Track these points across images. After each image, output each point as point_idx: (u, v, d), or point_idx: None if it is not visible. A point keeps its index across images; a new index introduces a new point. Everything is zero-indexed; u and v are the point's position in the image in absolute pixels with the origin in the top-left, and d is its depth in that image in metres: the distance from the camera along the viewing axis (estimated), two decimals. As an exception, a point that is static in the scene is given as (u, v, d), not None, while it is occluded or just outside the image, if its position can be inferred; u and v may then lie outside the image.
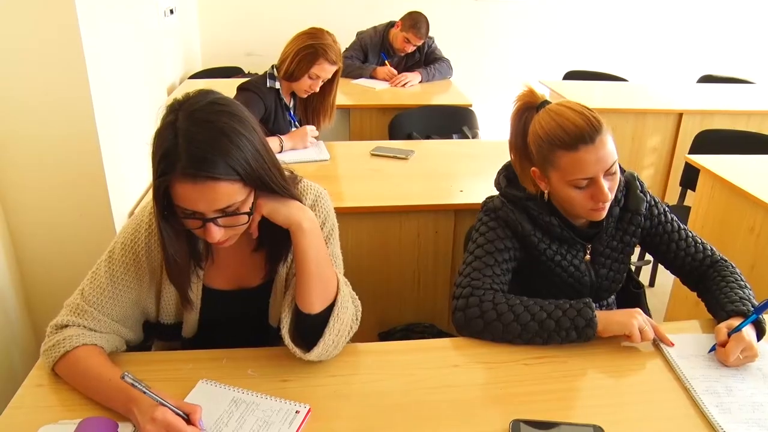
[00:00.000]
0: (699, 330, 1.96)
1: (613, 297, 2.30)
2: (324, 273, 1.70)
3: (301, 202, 1.71)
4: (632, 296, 2.36)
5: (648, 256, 3.33)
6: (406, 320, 2.84)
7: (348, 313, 1.76)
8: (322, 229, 1.82)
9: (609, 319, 1.86)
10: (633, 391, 1.71)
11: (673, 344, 1.87)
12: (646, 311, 2.28)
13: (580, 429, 1.54)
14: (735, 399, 1.66)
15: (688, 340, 1.91)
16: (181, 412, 1.45)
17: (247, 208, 1.58)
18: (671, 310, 3.53)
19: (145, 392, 1.44)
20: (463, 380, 1.75)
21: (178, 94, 1.57)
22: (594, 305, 1.88)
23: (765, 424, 1.58)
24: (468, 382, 1.74)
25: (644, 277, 4.43)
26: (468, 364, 1.82)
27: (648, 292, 2.42)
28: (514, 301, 1.91)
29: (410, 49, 5.38)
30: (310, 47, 3.36)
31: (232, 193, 1.51)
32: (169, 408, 1.44)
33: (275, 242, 1.77)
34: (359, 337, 1.90)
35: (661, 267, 2.38)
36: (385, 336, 2.74)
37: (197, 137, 1.46)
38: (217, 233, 1.56)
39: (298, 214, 1.65)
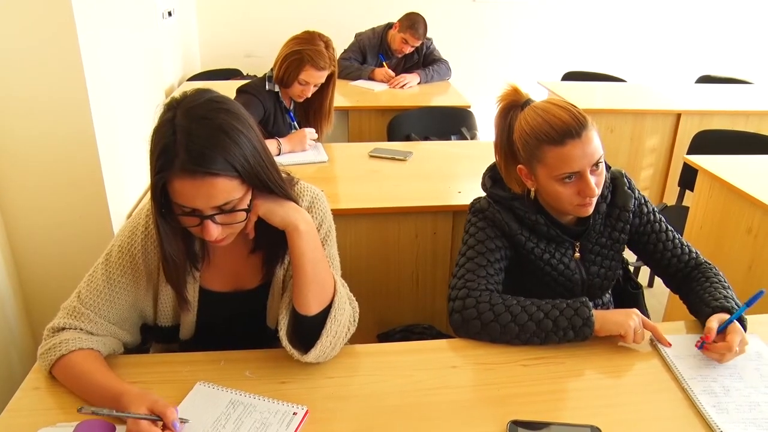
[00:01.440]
0: (697, 330, 1.96)
1: (609, 296, 2.30)
2: (320, 274, 1.70)
3: (297, 203, 1.71)
4: (630, 296, 2.36)
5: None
6: (404, 321, 2.84)
7: (345, 314, 1.76)
8: (319, 230, 1.83)
9: (606, 318, 1.87)
10: (630, 392, 1.71)
11: (670, 344, 1.87)
12: (644, 312, 2.28)
13: (578, 429, 1.55)
14: (732, 399, 1.67)
15: (686, 340, 1.91)
16: (153, 416, 1.45)
17: (244, 206, 1.58)
18: (669, 311, 3.53)
19: (107, 414, 1.45)
20: (462, 381, 1.75)
21: (176, 94, 1.58)
22: (591, 304, 1.89)
23: (762, 424, 1.59)
24: (466, 383, 1.75)
25: (643, 278, 4.45)
26: (466, 365, 1.82)
27: (646, 292, 2.42)
28: (510, 301, 1.91)
29: (408, 50, 5.38)
30: (296, 53, 3.35)
31: (230, 189, 1.52)
32: (140, 418, 1.44)
33: (272, 244, 1.77)
34: (358, 338, 1.90)
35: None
36: (384, 337, 2.74)
37: (196, 133, 1.47)
38: (214, 231, 1.56)
39: (295, 215, 1.65)
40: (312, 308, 1.69)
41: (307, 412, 1.59)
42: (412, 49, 5.40)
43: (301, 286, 1.68)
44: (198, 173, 1.46)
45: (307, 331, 1.71)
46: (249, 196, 1.59)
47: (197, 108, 1.51)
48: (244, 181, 1.54)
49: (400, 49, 5.36)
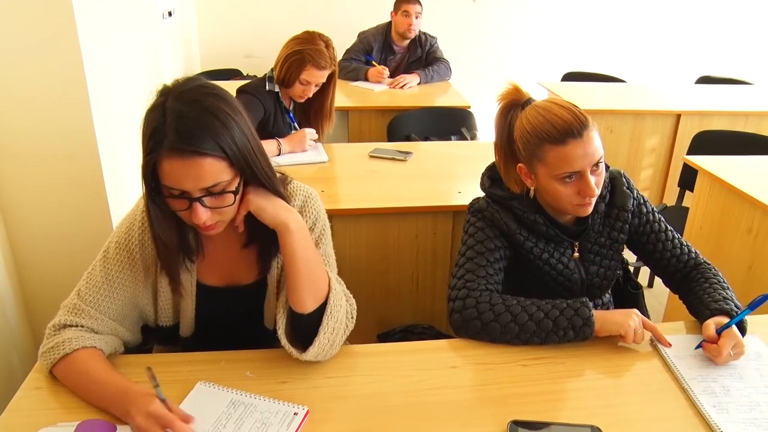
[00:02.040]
0: (697, 330, 1.96)
1: (609, 297, 2.30)
2: (313, 272, 1.71)
3: (288, 200, 1.74)
4: (630, 297, 2.36)
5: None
6: (404, 322, 2.84)
7: (342, 310, 1.77)
8: (313, 230, 1.86)
9: (605, 318, 1.87)
10: (631, 392, 1.72)
11: (670, 344, 1.87)
12: (644, 312, 2.28)
13: (578, 429, 1.55)
14: (732, 399, 1.67)
15: (686, 340, 1.91)
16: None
17: (233, 188, 1.59)
18: (669, 311, 3.53)
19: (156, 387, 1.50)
20: (462, 381, 1.75)
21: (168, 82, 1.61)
22: (591, 304, 1.89)
23: (762, 424, 1.59)
24: (466, 383, 1.75)
25: (643, 278, 4.45)
26: (466, 366, 1.82)
27: (646, 292, 2.42)
28: (510, 301, 1.92)
29: (415, 25, 5.37)
30: (297, 53, 3.36)
31: (217, 171, 1.53)
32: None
33: (265, 238, 1.77)
34: (358, 338, 1.91)
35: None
36: (384, 337, 2.74)
37: (186, 115, 1.51)
38: (203, 214, 1.57)
39: (285, 214, 1.67)
40: (307, 306, 1.70)
41: (307, 412, 1.59)
42: (418, 18, 5.38)
43: (295, 284, 1.69)
44: (186, 152, 1.48)
45: (305, 329, 1.71)
46: (237, 182, 1.60)
47: (187, 92, 1.55)
48: (232, 164, 1.56)
49: (407, 28, 5.35)
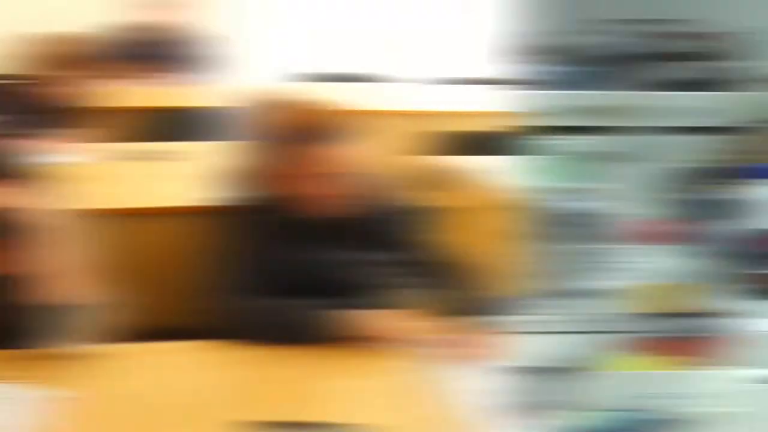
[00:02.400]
0: (445, 330, 2.01)
1: (369, 298, 2.35)
2: (55, 268, 1.68)
3: (37, 199, 1.70)
4: (370, 297, 2.40)
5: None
6: (160, 324, 2.81)
7: (86, 306, 1.74)
8: (56, 228, 1.80)
9: (362, 319, 1.94)
10: (381, 393, 1.77)
11: (432, 344, 1.94)
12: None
13: (325, 429, 1.58)
14: (482, 398, 1.74)
15: (433, 340, 1.97)
16: None
17: None
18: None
19: None
20: (207, 382, 1.76)
21: None
22: (349, 304, 1.96)
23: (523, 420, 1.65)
24: (212, 383, 1.76)
25: (400, 278, 4.55)
26: (213, 366, 1.84)
27: (397, 293, 2.49)
28: (266, 302, 1.94)
29: (162, 13, 5.17)
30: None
31: None
32: None
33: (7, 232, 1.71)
34: (112, 339, 1.87)
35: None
36: (138, 339, 2.70)
37: None
38: None
39: (31, 210, 1.64)
40: (48, 299, 1.69)
41: (66, 397, 1.56)
42: (172, 12, 5.19)
43: (38, 280, 1.68)
44: None
45: (43, 324, 1.69)
46: None
47: None
48: None
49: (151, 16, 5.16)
